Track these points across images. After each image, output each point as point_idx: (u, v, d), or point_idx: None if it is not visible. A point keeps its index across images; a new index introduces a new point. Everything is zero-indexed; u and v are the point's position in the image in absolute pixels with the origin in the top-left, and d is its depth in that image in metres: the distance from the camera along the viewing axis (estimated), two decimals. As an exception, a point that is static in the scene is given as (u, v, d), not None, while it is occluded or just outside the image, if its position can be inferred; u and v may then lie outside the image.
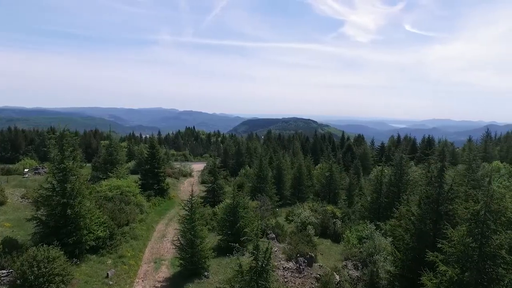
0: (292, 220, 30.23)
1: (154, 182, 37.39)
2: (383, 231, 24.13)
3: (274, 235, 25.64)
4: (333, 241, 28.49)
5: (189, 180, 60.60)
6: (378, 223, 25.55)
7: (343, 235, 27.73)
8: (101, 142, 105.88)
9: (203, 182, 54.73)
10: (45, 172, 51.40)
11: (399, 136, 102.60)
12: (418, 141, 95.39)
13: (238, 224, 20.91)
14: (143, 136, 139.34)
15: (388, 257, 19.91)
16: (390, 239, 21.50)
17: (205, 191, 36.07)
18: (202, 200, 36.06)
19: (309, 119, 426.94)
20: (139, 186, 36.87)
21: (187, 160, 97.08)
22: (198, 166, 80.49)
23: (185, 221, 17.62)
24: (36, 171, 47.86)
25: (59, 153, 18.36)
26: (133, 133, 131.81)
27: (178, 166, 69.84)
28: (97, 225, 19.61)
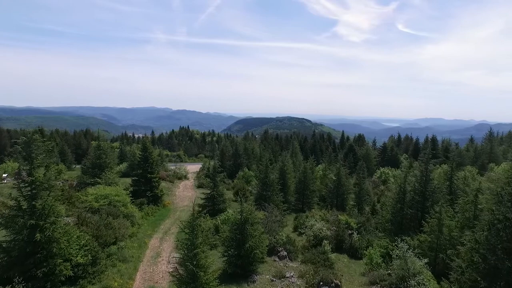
0: (303, 233, 26.88)
1: (146, 189, 33.80)
2: (411, 247, 20.88)
3: (285, 253, 22.29)
4: (350, 256, 25.19)
5: (185, 184, 57.03)
6: (403, 237, 22.31)
7: (363, 251, 24.48)
8: (92, 142, 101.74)
9: (199, 186, 51.23)
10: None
11: (399, 136, 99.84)
12: (417, 140, 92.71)
13: (248, 245, 17.49)
14: (136, 136, 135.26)
15: (426, 283, 16.64)
16: (425, 260, 18.22)
17: (204, 198, 32.57)
18: (200, 209, 32.63)
19: (303, 118, 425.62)
20: (130, 194, 33.31)
21: (182, 161, 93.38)
22: (193, 167, 76.89)
23: (185, 247, 14.12)
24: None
25: (26, 163, 14.75)
26: (125, 133, 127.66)
27: (172, 168, 66.20)
28: (76, 249, 16.05)
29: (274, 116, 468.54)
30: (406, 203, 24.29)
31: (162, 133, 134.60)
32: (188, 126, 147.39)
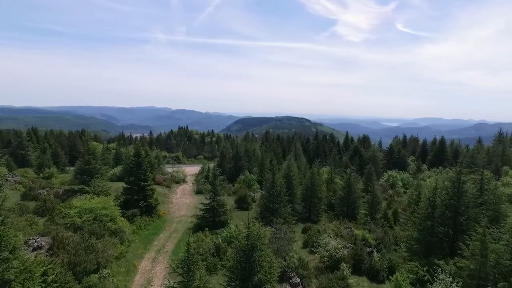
0: (316, 252, 23.62)
1: (139, 198, 30.50)
2: (446, 274, 17.66)
3: (298, 279, 19.05)
4: (370, 279, 21.96)
5: (183, 188, 53.76)
6: (435, 260, 19.10)
7: (384, 273, 21.26)
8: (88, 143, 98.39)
9: (198, 192, 47.97)
10: (15, 181, 44.14)
11: (405, 137, 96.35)
12: (425, 142, 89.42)
13: (257, 278, 14.24)
14: (134, 136, 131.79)
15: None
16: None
17: (203, 209, 29.27)
18: (198, 221, 29.39)
19: (302, 118, 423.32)
20: (122, 203, 30.05)
21: (180, 162, 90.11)
22: (192, 169, 73.65)
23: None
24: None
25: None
26: (122, 133, 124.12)
27: (170, 170, 62.95)
28: (41, 289, 12.76)
29: (273, 116, 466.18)
30: (435, 218, 21.04)
31: (160, 133, 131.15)
32: (187, 126, 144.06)
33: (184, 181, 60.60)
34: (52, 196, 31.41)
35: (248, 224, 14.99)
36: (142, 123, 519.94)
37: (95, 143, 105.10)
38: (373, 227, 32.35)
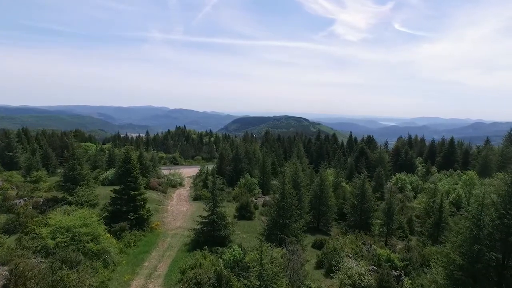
0: (334, 276, 20.00)
1: (129, 210, 26.78)
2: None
3: (318, 318, 15.43)
4: (401, 312, 18.43)
5: (180, 193, 50.11)
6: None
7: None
8: (81, 144, 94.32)
9: (196, 199, 44.32)
10: (-2, 186, 40.40)
11: (410, 137, 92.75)
12: (433, 142, 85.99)
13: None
14: (130, 136, 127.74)
15: None
16: None
17: (201, 222, 25.58)
18: (196, 236, 25.77)
19: (300, 117, 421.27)
20: (108, 216, 26.38)
21: (177, 164, 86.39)
22: (189, 171, 70.06)
23: None
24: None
25: None
26: (118, 133, 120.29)
27: (166, 173, 59.25)
28: None
29: (271, 115, 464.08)
30: (482, 240, 17.43)
31: (157, 133, 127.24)
32: (184, 126, 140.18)
33: (181, 184, 57.00)
34: (31, 207, 27.68)
35: (261, 260, 11.33)
36: (139, 122, 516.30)
37: (88, 144, 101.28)
38: (394, 241, 28.85)
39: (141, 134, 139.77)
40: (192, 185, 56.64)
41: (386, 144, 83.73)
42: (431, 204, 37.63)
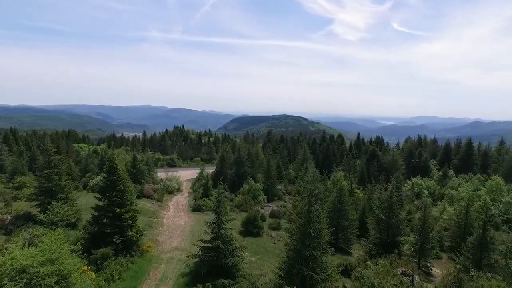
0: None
1: (114, 231, 21.79)
2: None
3: None
4: None
5: (177, 201, 45.10)
6: None
7: None
8: (74, 145, 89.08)
9: (195, 209, 39.34)
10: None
11: (419, 138, 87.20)
12: (448, 144, 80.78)
13: None
14: (126, 136, 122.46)
15: None
16: None
17: (203, 248, 20.57)
18: (196, 266, 20.80)
19: (299, 116, 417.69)
20: (88, 239, 21.44)
21: (175, 166, 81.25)
22: (188, 174, 65.12)
23: None
24: None
25: None
26: (113, 133, 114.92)
27: (163, 177, 54.23)
28: None
29: (270, 114, 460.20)
30: None
31: (154, 133, 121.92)
32: (183, 126, 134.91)
33: (179, 190, 52.01)
34: (-5, 227, 22.68)
35: None
36: (138, 122, 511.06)
37: (82, 145, 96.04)
38: (428, 263, 23.94)
39: (137, 134, 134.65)
40: (191, 190, 51.73)
41: (397, 144, 78.63)
42: (463, 215, 32.68)
